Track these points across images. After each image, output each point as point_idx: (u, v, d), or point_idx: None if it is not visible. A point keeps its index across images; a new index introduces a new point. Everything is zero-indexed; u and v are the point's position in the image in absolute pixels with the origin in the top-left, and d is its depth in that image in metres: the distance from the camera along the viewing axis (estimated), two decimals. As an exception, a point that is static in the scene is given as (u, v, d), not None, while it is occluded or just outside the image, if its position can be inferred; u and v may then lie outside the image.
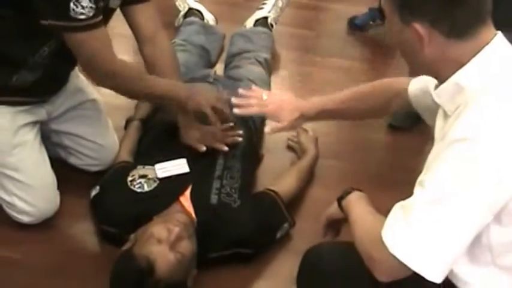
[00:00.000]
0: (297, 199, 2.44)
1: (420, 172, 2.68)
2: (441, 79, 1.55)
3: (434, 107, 1.63)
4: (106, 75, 2.10)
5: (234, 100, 2.16)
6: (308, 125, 2.73)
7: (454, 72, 1.49)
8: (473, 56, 1.47)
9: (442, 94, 1.54)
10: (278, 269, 2.23)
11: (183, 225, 2.01)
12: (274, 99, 2.21)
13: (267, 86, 2.81)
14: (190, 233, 2.02)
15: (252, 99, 2.17)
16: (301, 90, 3.05)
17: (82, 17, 1.93)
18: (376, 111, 2.15)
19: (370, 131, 2.89)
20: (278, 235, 2.26)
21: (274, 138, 2.73)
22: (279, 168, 2.55)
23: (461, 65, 1.48)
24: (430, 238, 1.43)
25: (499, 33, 1.51)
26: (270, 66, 2.97)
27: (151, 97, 2.30)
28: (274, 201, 2.28)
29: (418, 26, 1.45)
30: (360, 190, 1.82)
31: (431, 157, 1.52)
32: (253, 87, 2.29)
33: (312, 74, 3.22)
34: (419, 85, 1.88)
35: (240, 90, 2.21)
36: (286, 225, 2.27)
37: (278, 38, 3.24)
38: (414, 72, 1.68)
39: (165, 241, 1.93)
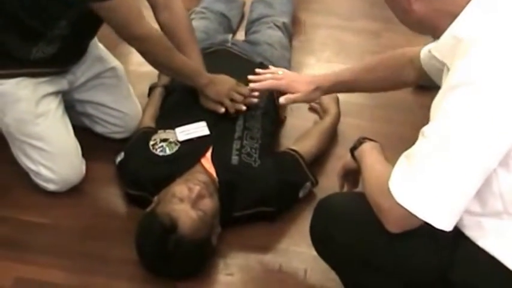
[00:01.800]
0: (320, 158, 2.39)
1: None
2: (439, 34, 1.49)
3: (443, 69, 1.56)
4: (138, 39, 2.06)
5: (250, 77, 2.14)
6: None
7: (449, 25, 1.44)
8: (466, 4, 1.41)
9: (441, 48, 1.49)
10: (302, 227, 2.14)
11: (204, 184, 1.99)
12: (289, 73, 2.18)
13: (287, 50, 2.76)
14: (211, 191, 2.00)
15: (268, 75, 2.14)
16: (322, 54, 3.01)
17: None
18: (390, 81, 2.07)
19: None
20: (301, 194, 2.22)
21: None
22: (301, 129, 2.50)
23: (455, 16, 1.42)
24: (434, 185, 1.38)
25: None
26: (290, 30, 2.90)
27: (174, 72, 2.26)
28: (295, 159, 2.23)
29: None
30: (373, 140, 1.76)
31: (432, 106, 1.46)
32: (271, 66, 2.26)
33: (334, 38, 3.14)
34: (428, 48, 1.80)
35: (257, 70, 2.19)
36: (308, 183, 2.23)
37: (299, 2, 3.18)
38: (412, 30, 1.62)
39: (186, 199, 1.92)
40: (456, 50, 1.43)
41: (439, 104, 1.41)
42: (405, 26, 1.57)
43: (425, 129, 1.43)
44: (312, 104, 2.66)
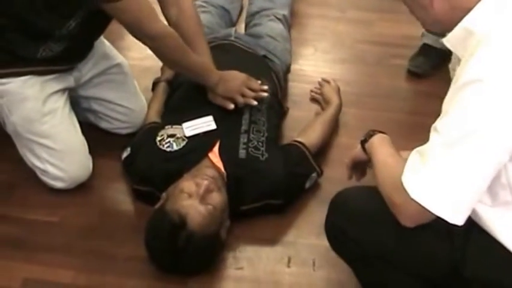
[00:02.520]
0: (322, 148, 2.31)
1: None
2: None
3: None
4: (150, 38, 1.95)
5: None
6: (329, 75, 2.62)
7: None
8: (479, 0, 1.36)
9: (453, 40, 1.44)
10: (309, 218, 2.11)
11: (212, 179, 1.90)
12: None
13: (288, 42, 2.65)
14: (219, 185, 1.92)
15: None
16: (319, 45, 2.93)
17: None
18: None
19: (389, 77, 2.75)
20: (307, 185, 2.14)
21: (299, 90, 2.63)
22: (304, 120, 2.41)
23: (469, 10, 1.37)
24: (448, 181, 1.33)
25: None
26: (289, 22, 2.79)
27: (186, 70, 2.14)
28: (301, 151, 2.15)
29: None
30: (383, 132, 1.68)
31: (445, 102, 1.41)
32: None
33: (330, 28, 3.04)
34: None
35: None
36: (314, 175, 2.15)
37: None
38: (428, 28, 1.55)
39: (195, 195, 1.83)
40: (467, 42, 1.39)
41: (452, 100, 1.36)
42: (422, 23, 1.52)
43: (437, 125, 1.37)
44: (314, 94, 2.58)
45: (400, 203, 1.40)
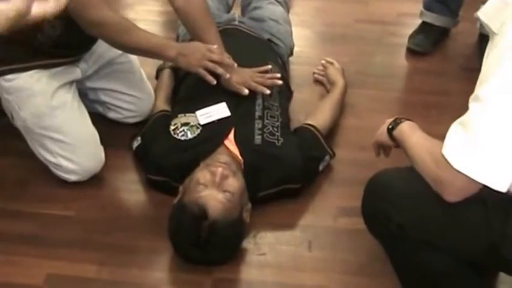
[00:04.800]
0: (331, 129, 2.28)
1: (444, 94, 2.54)
2: None
3: None
4: (92, 24, 1.89)
5: None
6: (329, 56, 2.58)
7: None
8: None
9: (487, 11, 1.41)
10: (324, 201, 2.09)
11: (225, 164, 1.86)
12: None
13: (289, 25, 2.61)
14: (234, 170, 1.88)
15: None
16: (315, 25, 2.91)
17: None
18: None
19: (390, 56, 2.74)
20: (320, 167, 2.12)
21: (301, 72, 2.60)
22: (307, 102, 2.39)
23: None
24: (494, 148, 1.31)
25: None
26: (288, 4, 2.76)
27: (139, 51, 2.06)
28: (314, 135, 2.12)
29: None
30: (409, 119, 1.63)
31: (482, 72, 1.38)
32: None
33: (328, 9, 3.02)
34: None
35: None
36: (327, 157, 2.13)
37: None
38: None
39: (210, 184, 1.80)
40: (502, 14, 1.36)
41: (489, 70, 1.33)
42: None
43: (480, 94, 1.33)
44: (317, 76, 2.55)
45: (444, 177, 1.36)
